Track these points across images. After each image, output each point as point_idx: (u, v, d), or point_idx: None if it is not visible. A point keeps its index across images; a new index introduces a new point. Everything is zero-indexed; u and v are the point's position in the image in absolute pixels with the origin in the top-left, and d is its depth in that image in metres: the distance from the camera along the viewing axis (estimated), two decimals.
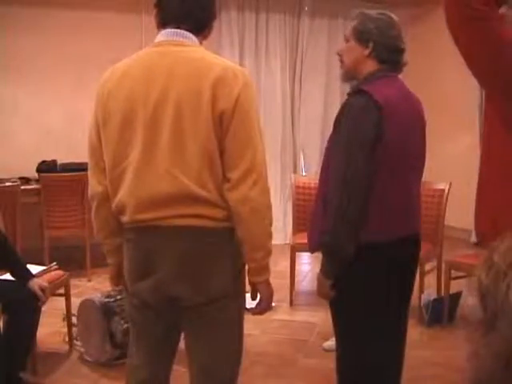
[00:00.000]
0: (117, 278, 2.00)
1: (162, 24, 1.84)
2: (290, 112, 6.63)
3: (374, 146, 1.95)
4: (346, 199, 1.95)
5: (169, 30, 1.82)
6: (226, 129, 1.71)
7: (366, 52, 2.08)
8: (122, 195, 1.79)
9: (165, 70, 1.74)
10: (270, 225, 1.81)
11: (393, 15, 2.14)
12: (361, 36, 2.08)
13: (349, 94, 2.11)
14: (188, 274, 1.78)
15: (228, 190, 1.73)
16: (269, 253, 1.83)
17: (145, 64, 1.79)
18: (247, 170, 1.72)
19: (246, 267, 1.87)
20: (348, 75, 2.16)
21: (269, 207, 1.79)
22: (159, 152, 1.73)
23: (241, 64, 5.97)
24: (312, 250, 2.22)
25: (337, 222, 1.97)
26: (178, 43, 1.80)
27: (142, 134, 1.74)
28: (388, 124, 1.96)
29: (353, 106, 2.01)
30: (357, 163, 1.95)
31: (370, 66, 2.09)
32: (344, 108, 2.04)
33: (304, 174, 6.55)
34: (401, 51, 2.11)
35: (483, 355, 0.81)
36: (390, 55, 2.08)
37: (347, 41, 2.14)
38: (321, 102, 6.72)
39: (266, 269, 1.85)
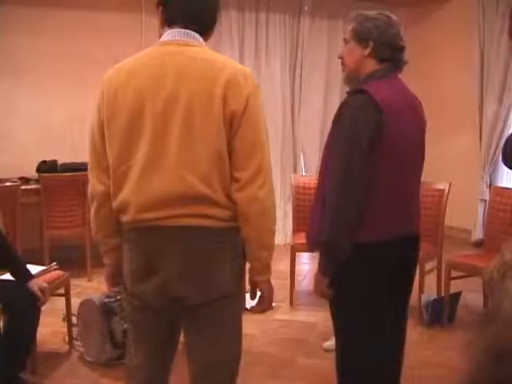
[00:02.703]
0: (113, 279, 2.00)
1: (168, 23, 1.82)
2: (290, 112, 6.62)
3: (372, 145, 1.95)
4: (343, 198, 1.95)
5: (176, 30, 1.80)
6: (236, 130, 1.72)
7: (367, 52, 2.08)
8: (126, 194, 1.77)
9: (174, 70, 1.73)
10: (275, 224, 1.84)
11: (391, 15, 2.13)
12: (360, 36, 2.08)
13: (348, 93, 2.10)
14: (191, 274, 1.77)
15: (236, 190, 1.74)
16: (272, 252, 1.85)
17: (153, 63, 1.77)
18: (256, 171, 1.73)
19: (247, 267, 1.87)
20: (350, 77, 2.15)
21: (275, 207, 1.81)
22: (168, 151, 1.72)
23: (241, 64, 5.96)
24: (311, 249, 2.22)
25: (333, 221, 1.97)
26: (186, 43, 1.79)
27: (150, 133, 1.73)
28: (387, 124, 1.96)
29: (351, 105, 2.00)
30: (354, 163, 1.95)
31: (371, 66, 2.09)
32: (342, 107, 2.04)
33: (304, 174, 6.54)
34: (401, 49, 2.11)
35: (476, 346, 0.83)
36: (390, 53, 2.08)
37: (347, 43, 2.14)
38: (321, 102, 6.72)
39: (268, 268, 1.86)
